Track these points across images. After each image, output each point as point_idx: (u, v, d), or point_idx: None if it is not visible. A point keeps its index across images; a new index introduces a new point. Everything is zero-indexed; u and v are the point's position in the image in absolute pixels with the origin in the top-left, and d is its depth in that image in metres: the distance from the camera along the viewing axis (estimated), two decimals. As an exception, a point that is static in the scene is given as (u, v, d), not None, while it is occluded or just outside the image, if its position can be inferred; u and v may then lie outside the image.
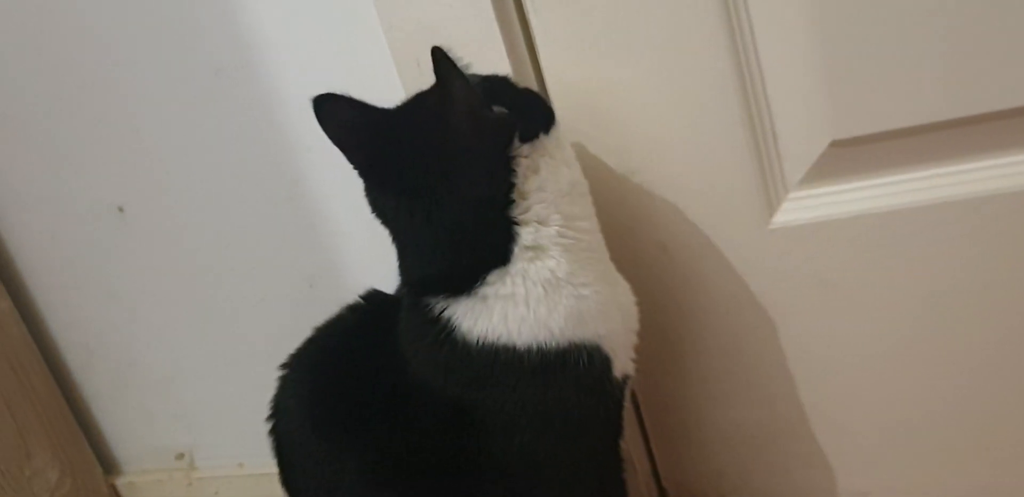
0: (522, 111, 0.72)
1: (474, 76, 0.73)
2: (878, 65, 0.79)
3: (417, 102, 0.75)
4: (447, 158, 0.70)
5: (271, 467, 0.84)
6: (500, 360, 0.71)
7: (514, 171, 0.70)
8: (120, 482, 1.40)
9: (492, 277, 0.72)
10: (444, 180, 0.70)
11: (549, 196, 0.72)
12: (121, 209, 1.17)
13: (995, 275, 0.83)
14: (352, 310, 0.82)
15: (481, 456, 0.74)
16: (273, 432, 0.82)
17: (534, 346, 0.71)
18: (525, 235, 0.71)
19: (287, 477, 0.83)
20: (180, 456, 1.35)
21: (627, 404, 0.83)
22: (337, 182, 1.05)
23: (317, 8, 0.96)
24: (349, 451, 0.76)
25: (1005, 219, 0.80)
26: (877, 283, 0.87)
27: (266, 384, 0.82)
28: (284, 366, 0.82)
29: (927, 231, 0.83)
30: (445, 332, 0.72)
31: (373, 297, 0.83)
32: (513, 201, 0.71)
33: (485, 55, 0.84)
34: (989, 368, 0.87)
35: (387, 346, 0.76)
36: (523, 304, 0.71)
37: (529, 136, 0.71)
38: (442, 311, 0.73)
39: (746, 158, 0.85)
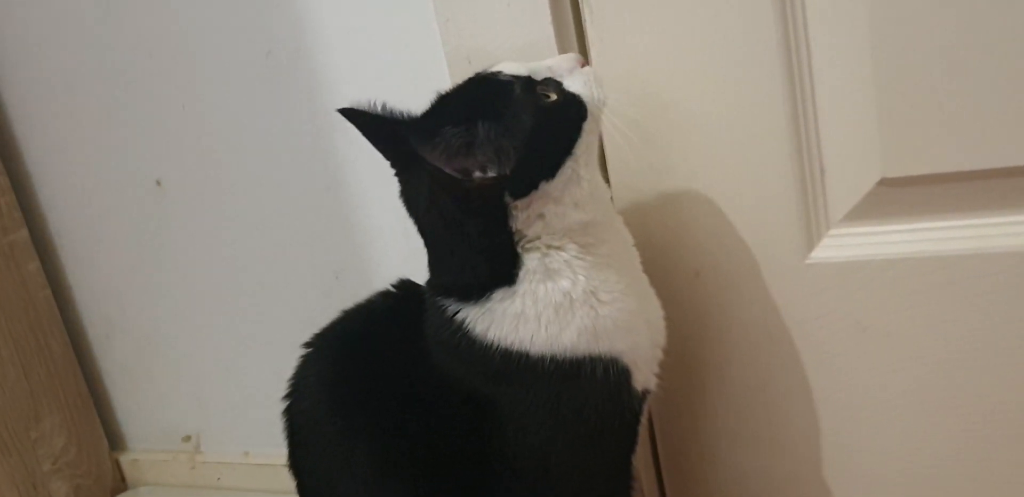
0: (529, 154, 0.70)
1: (507, 85, 0.73)
2: (938, 104, 0.79)
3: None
4: (442, 198, 0.72)
5: (276, 458, 0.86)
6: (514, 362, 0.73)
7: (512, 217, 0.71)
8: (124, 458, 1.44)
9: (498, 294, 0.73)
10: (446, 212, 0.72)
11: (558, 233, 0.73)
12: (159, 183, 1.22)
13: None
14: (383, 296, 0.84)
15: (493, 453, 0.75)
16: (287, 412, 0.83)
17: (547, 355, 0.73)
18: (530, 262, 0.73)
19: (295, 459, 0.84)
20: (187, 438, 1.39)
21: (644, 422, 0.83)
22: (375, 177, 1.07)
23: (374, -4, 1.00)
24: (362, 434, 0.77)
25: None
26: (913, 331, 0.86)
27: (281, 375, 0.83)
28: (308, 345, 0.83)
29: (971, 281, 0.82)
30: (460, 332, 0.74)
31: (405, 286, 0.84)
32: (515, 236, 0.72)
33: (539, 54, 0.86)
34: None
35: (412, 334, 0.78)
36: (534, 321, 0.72)
37: (523, 192, 0.70)
38: (455, 314, 0.75)
39: (791, 189, 0.86)
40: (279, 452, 0.85)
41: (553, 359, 0.73)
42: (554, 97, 0.72)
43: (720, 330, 0.95)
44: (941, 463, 0.91)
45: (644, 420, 0.83)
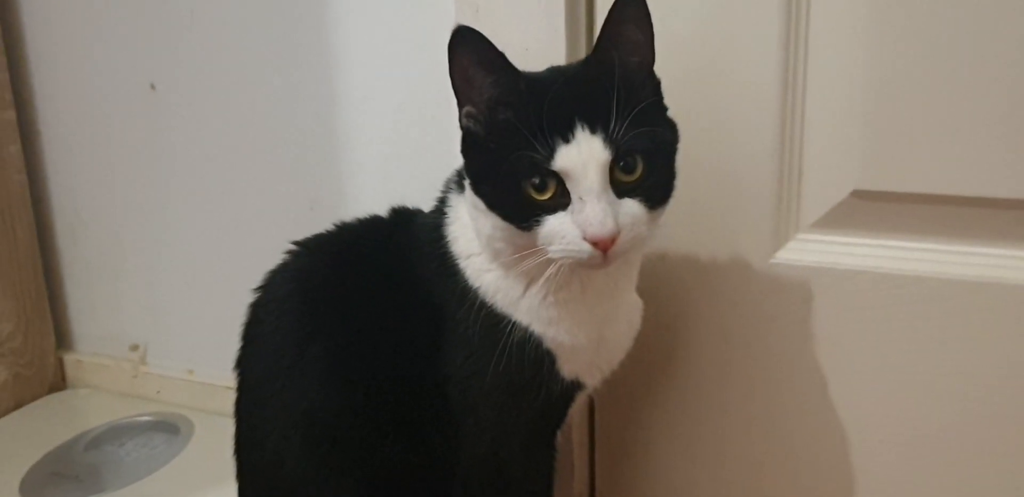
0: (479, 155, 0.73)
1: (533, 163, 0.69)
2: (923, 126, 0.83)
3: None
4: None
5: (218, 379, 0.88)
6: (459, 281, 0.77)
7: None
8: (68, 357, 1.48)
9: (459, 195, 0.79)
10: None
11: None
12: (153, 86, 1.25)
13: (977, 361, 0.87)
14: (392, 213, 0.87)
15: (434, 374, 0.78)
16: (253, 305, 0.84)
17: (475, 287, 0.76)
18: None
19: (245, 353, 0.85)
20: (134, 347, 1.43)
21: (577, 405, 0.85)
22: (363, 113, 1.12)
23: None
24: (323, 330, 0.79)
25: (1001, 309, 0.84)
26: (858, 344, 0.91)
27: (239, 298, 0.85)
28: (295, 243, 0.85)
29: (922, 304, 0.86)
30: (442, 211, 0.80)
31: (410, 209, 0.87)
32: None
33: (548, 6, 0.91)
34: (960, 444, 0.91)
35: (403, 247, 0.82)
36: (467, 242, 0.77)
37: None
38: (447, 192, 0.81)
39: (767, 188, 0.90)
40: (224, 374, 0.88)
41: (476, 294, 0.76)
42: (537, 197, 0.68)
43: (676, 318, 0.99)
44: (880, 473, 0.95)
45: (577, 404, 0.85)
